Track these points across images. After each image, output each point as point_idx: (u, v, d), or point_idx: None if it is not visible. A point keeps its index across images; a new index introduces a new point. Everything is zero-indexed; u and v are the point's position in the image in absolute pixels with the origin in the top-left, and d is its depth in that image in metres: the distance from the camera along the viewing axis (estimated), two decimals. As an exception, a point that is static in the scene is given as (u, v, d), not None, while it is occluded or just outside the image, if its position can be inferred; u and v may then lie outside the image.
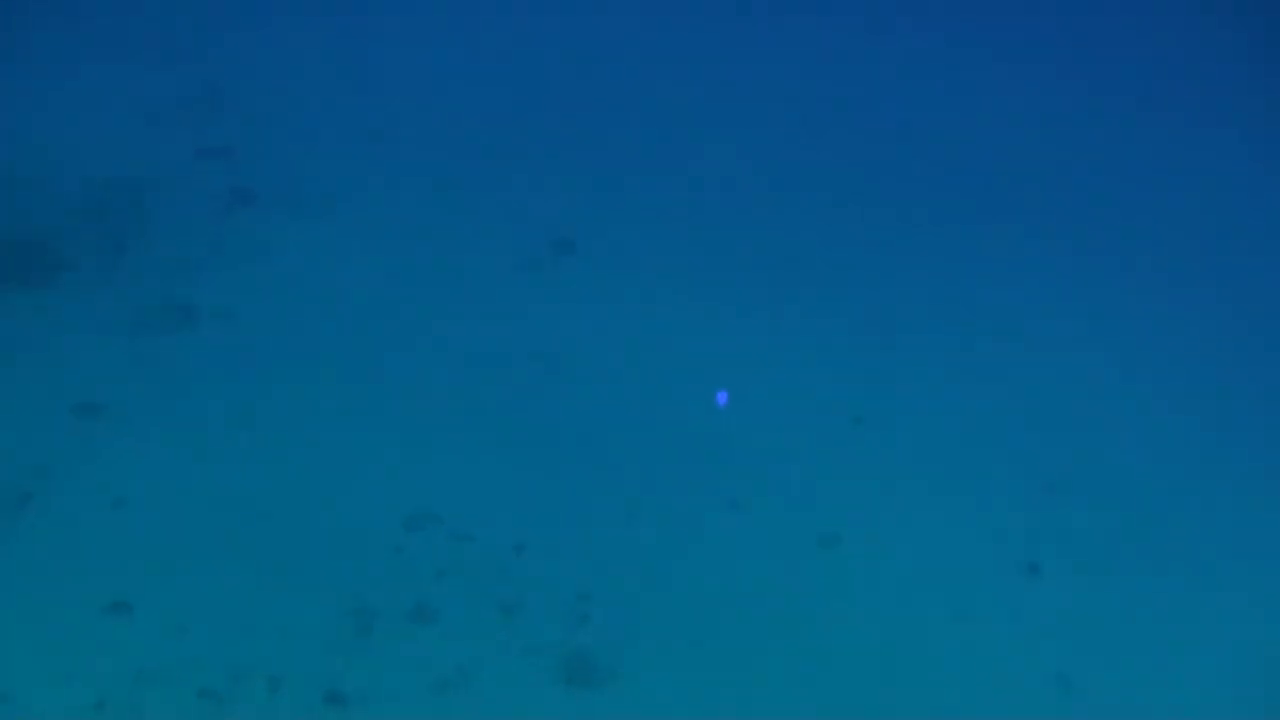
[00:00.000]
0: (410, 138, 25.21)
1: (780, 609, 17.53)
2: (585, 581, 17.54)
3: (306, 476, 18.46)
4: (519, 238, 23.13)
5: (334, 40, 27.31)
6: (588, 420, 19.77)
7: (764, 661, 16.92)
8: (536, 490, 18.60)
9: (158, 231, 22.29)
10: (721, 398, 20.23)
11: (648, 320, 21.68)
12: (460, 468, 18.80)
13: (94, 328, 20.27)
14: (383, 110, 25.80)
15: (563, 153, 25.07)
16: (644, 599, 17.44)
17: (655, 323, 21.65)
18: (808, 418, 20.17)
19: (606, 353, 20.96)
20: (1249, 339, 22.28)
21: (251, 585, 16.98)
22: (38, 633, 16.08)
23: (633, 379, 20.55)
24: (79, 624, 16.25)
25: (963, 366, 21.33)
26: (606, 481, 18.86)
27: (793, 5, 29.93)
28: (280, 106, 25.49)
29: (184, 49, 26.47)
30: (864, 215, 24.32)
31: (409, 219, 23.32)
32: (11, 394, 19.00)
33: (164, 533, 17.47)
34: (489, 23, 29.05)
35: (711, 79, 27.59)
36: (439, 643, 16.64)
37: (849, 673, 16.86)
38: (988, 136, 26.66)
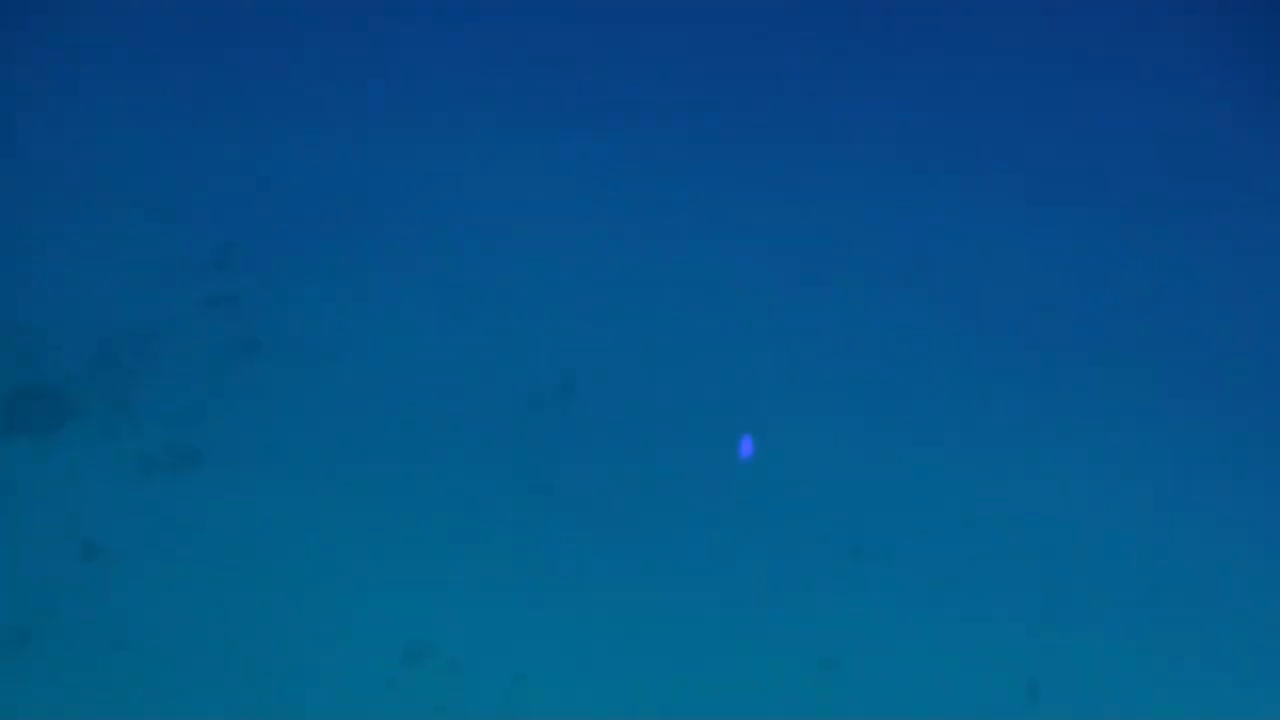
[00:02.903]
0: (409, 288, 25.73)
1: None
2: (586, 709, 17.48)
3: (306, 615, 18.53)
4: (521, 379, 23.44)
5: (338, 197, 28.06)
6: (589, 551, 19.86)
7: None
8: (536, 620, 18.62)
9: (164, 379, 22.67)
10: (746, 447, 20.38)
11: (642, 457, 21.87)
12: (459, 601, 18.86)
13: (100, 472, 20.53)
14: (385, 263, 26.38)
15: (564, 296, 25.54)
16: (645, 727, 17.39)
17: (649, 461, 21.82)
18: (806, 546, 20.22)
19: (606, 487, 21.12)
20: (1246, 455, 22.37)
21: (252, 720, 16.96)
22: (36, 774, 16.07)
23: (632, 512, 20.68)
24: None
25: (960, 490, 21.41)
26: (606, 610, 18.89)
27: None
28: (286, 259, 26.10)
29: (196, 205, 27.22)
30: (857, 325, 24.65)
31: (408, 365, 23.69)
32: (17, 536, 19.21)
33: (163, 673, 17.49)
34: (482, 183, 29.94)
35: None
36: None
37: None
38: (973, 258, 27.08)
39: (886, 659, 18.50)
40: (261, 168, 29.11)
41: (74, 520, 19.67)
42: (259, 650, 17.94)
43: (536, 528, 20.23)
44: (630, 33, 37.16)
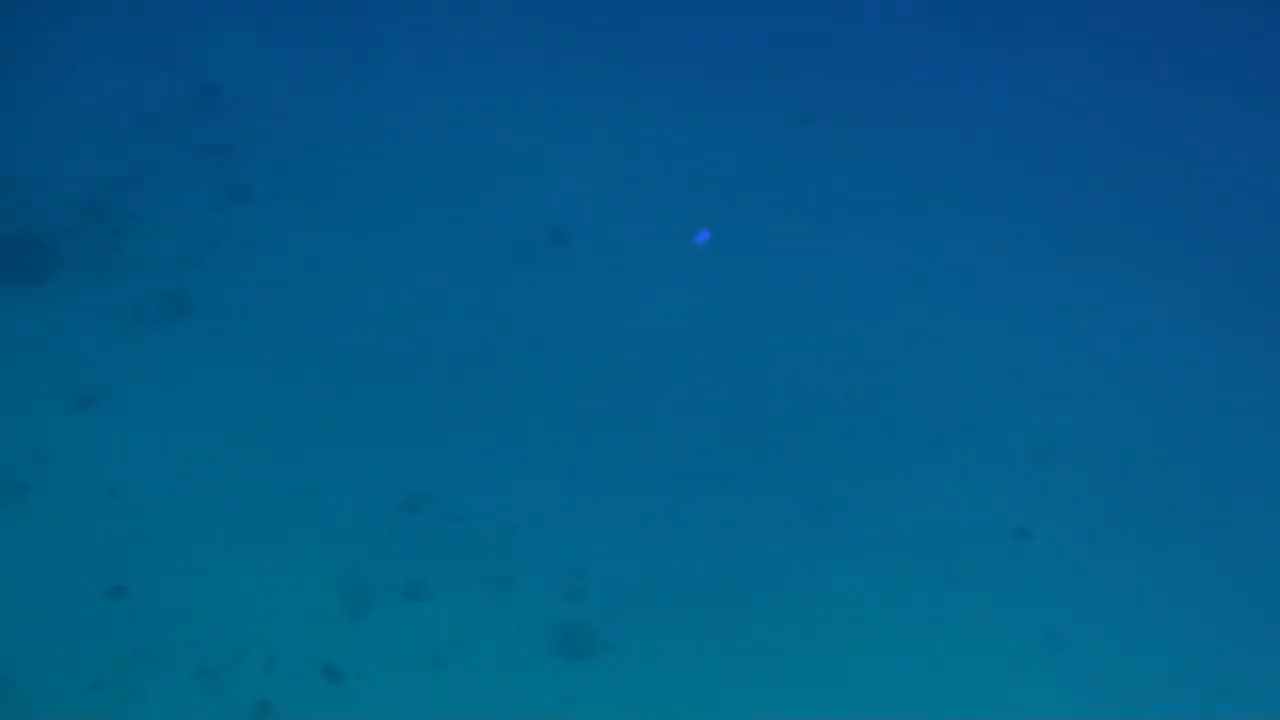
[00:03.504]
0: (404, 133, 25.40)
1: (773, 580, 17.67)
2: (578, 559, 17.70)
3: (301, 463, 18.67)
4: (514, 228, 23.27)
5: (328, 38, 27.55)
6: (581, 403, 19.92)
7: (758, 631, 17.09)
8: (528, 471, 18.76)
9: (154, 228, 22.50)
10: (702, 236, 20.40)
11: (641, 307, 21.81)
12: (454, 451, 18.97)
13: (90, 322, 20.49)
14: (377, 106, 26.00)
15: (557, 142, 25.25)
16: (637, 573, 17.61)
17: (648, 310, 21.77)
18: (799, 394, 20.27)
19: (600, 339, 21.10)
20: (1246, 307, 22.31)
21: (247, 568, 17.21)
22: (35, 618, 16.32)
23: (626, 364, 20.70)
24: (76, 609, 16.48)
25: (949, 335, 21.43)
26: (599, 462, 19.01)
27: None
28: (276, 104, 25.73)
29: (179, 49, 26.74)
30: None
31: (403, 212, 23.49)
32: (7, 388, 19.23)
33: (159, 520, 17.68)
34: (486, 21, 29.34)
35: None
36: (433, 619, 16.85)
37: (843, 640, 17.03)
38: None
39: (877, 508, 18.71)
40: (249, 7, 28.52)
41: (66, 370, 19.66)
42: (255, 499, 18.11)
43: (531, 381, 20.27)
44: None
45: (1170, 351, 21.37)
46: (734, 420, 19.75)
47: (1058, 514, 18.68)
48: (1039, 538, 18.37)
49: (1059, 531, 18.46)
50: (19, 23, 26.73)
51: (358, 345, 20.62)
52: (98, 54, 26.44)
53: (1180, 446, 19.74)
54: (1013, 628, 17.31)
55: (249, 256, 22.17)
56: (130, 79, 25.75)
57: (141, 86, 25.59)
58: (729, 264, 22.59)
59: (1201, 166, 25.16)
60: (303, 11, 28.41)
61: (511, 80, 26.95)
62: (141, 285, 21.23)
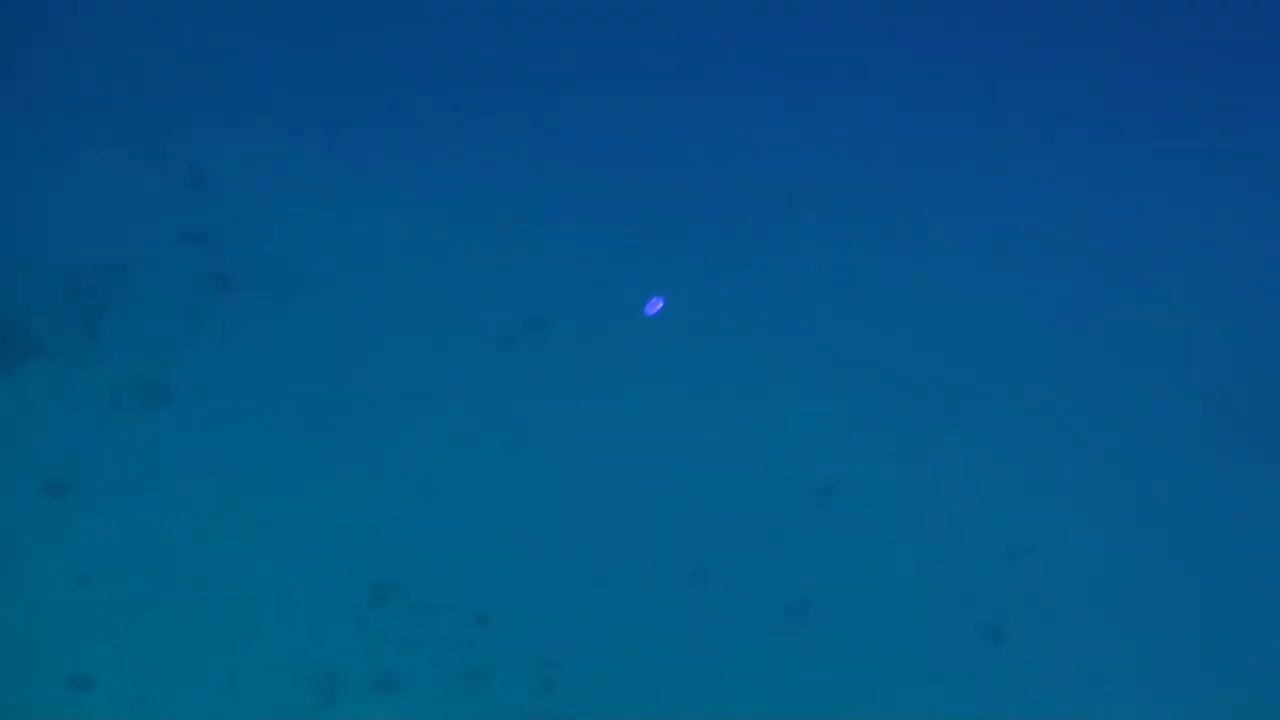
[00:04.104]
0: (384, 223, 25.51)
1: (747, 674, 17.54)
2: (551, 651, 17.55)
3: (273, 551, 18.52)
4: (492, 317, 23.30)
5: (312, 130, 27.72)
6: (555, 494, 19.84)
7: (730, 727, 16.94)
8: (501, 562, 18.64)
9: (134, 314, 22.50)
10: (652, 305, 20.33)
11: (618, 399, 21.79)
12: (426, 541, 18.86)
13: (67, 407, 20.39)
14: (358, 197, 26.14)
15: (536, 231, 25.36)
16: (610, 667, 17.45)
17: (625, 401, 21.76)
18: (776, 487, 20.21)
19: (577, 431, 21.06)
20: (1215, 420, 22.39)
21: (216, 655, 17.04)
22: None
23: (602, 455, 20.62)
24: (41, 697, 16.25)
25: (932, 435, 21.43)
26: (572, 553, 18.91)
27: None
28: (258, 194, 25.84)
29: (167, 137, 26.89)
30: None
31: (381, 302, 23.53)
32: (-17, 470, 19.15)
33: (127, 609, 17.52)
34: (465, 117, 29.63)
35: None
36: (403, 712, 16.66)
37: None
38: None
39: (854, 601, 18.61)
40: (232, 98, 28.72)
41: (40, 455, 19.55)
42: (225, 587, 17.94)
43: (505, 471, 20.20)
44: None
45: (1142, 456, 21.41)
46: (709, 514, 19.67)
47: (1032, 613, 18.59)
48: (1013, 636, 18.27)
49: (1033, 631, 18.37)
50: (6, 106, 26.90)
51: (333, 434, 20.55)
52: (84, 139, 26.56)
53: (1156, 548, 19.72)
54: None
55: (228, 344, 22.16)
56: (116, 165, 25.82)
57: (127, 173, 25.68)
58: (706, 358, 22.64)
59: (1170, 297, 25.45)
60: (288, 105, 28.59)
61: (489, 175, 27.10)
62: (120, 371, 21.18)
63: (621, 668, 17.45)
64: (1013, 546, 19.51)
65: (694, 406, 21.59)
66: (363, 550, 18.57)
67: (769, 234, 26.07)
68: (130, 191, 25.54)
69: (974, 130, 26.77)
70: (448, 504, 19.44)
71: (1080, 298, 24.12)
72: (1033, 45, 28.24)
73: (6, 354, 21.07)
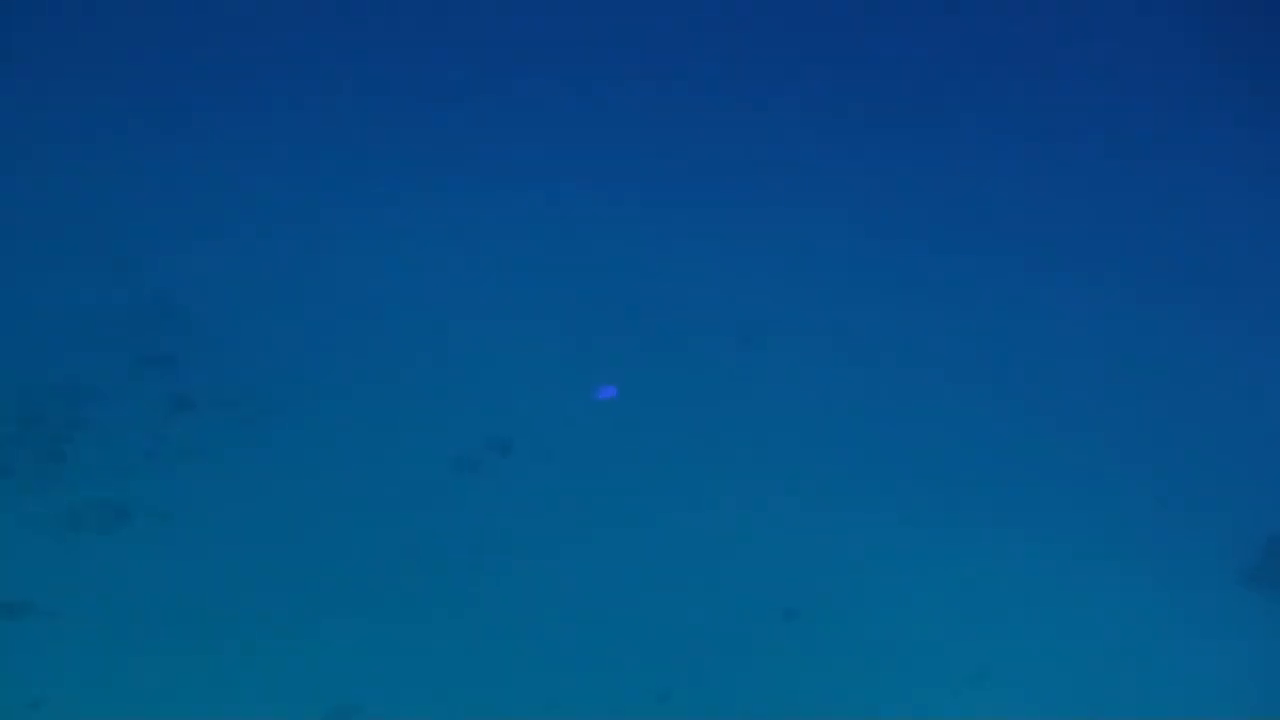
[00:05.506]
0: (345, 347, 25.74)
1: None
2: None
3: (230, 674, 18.30)
4: (454, 440, 23.45)
5: (275, 254, 28.08)
6: (517, 617, 19.78)
7: None
8: (461, 685, 18.50)
9: (95, 437, 22.49)
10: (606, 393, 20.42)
11: (580, 521, 21.88)
12: (386, 663, 18.72)
13: (26, 529, 20.27)
14: (319, 321, 26.39)
15: (499, 354, 25.62)
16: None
17: (587, 524, 21.84)
18: (738, 608, 20.22)
19: (540, 553, 21.09)
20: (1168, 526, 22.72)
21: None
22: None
23: (564, 579, 20.62)
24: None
25: (888, 556, 21.56)
26: (534, 677, 18.79)
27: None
28: (220, 317, 26.04)
29: (129, 259, 27.11)
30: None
31: (342, 424, 23.66)
32: (-64, 595, 18.91)
33: (85, 735, 17.20)
34: (426, 239, 30.08)
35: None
36: None
37: None
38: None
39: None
40: (197, 225, 29.01)
41: (-2, 578, 19.37)
42: (185, 712, 17.68)
43: (466, 593, 20.15)
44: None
45: (1107, 577, 21.60)
46: (673, 637, 19.60)
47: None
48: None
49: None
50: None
51: (291, 555, 20.49)
52: (47, 260, 26.72)
53: (1118, 669, 19.78)
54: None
55: (188, 466, 22.17)
56: (78, 287, 25.99)
57: (90, 295, 25.84)
58: (669, 479, 22.81)
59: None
60: (254, 227, 28.96)
61: (451, 298, 27.48)
62: (80, 493, 21.11)
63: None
64: (974, 671, 19.51)
65: (658, 529, 21.73)
66: (323, 674, 18.37)
67: (737, 357, 26.50)
68: (90, 312, 25.69)
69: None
70: (410, 628, 19.31)
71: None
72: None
73: (-34, 476, 21.01)
